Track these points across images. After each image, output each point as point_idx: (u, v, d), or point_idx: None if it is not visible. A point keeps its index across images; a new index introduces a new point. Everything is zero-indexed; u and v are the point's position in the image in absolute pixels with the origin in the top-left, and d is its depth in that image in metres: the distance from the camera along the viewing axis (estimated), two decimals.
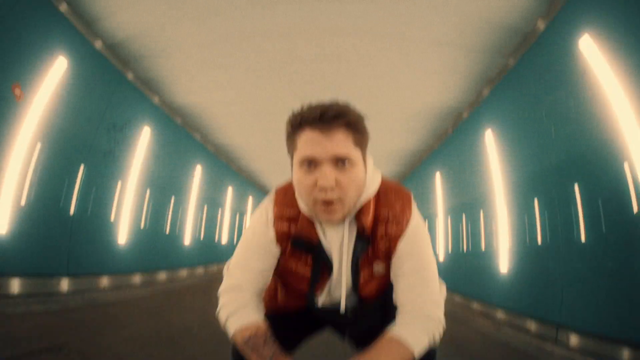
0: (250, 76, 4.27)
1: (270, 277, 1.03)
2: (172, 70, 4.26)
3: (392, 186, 0.99)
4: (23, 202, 2.84)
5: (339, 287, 1.00)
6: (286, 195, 0.99)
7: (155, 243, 5.12)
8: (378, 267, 0.97)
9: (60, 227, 3.30)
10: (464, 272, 4.74)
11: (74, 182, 3.41)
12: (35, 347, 1.76)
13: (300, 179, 0.84)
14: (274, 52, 3.75)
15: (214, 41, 3.65)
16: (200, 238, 6.78)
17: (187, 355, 1.99)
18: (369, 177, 0.91)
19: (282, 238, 0.97)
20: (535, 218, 3.14)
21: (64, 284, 3.26)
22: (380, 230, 0.92)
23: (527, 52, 3.28)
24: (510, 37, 3.30)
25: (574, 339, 2.56)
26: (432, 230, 5.95)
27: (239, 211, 9.18)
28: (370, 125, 0.88)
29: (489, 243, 4.01)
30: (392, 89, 4.34)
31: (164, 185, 5.30)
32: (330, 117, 0.78)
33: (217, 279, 1.11)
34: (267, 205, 1.01)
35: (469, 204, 4.64)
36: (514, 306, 3.41)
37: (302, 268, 1.00)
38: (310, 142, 0.80)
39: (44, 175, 3.02)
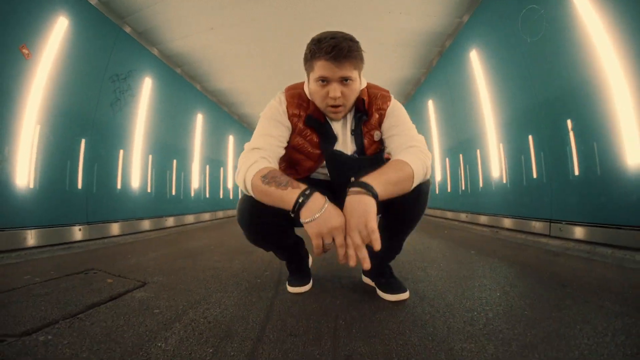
0: (243, 15, 4.31)
1: (284, 148, 1.29)
2: (168, 18, 4.31)
3: (376, 85, 1.37)
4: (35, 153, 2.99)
5: (345, 151, 1.32)
6: (295, 89, 1.31)
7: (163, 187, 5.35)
8: (376, 133, 1.31)
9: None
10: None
11: (85, 145, 3.54)
12: (64, 273, 1.89)
13: (316, 90, 1.19)
14: None
15: None
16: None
17: (207, 263, 2.17)
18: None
19: (293, 116, 1.28)
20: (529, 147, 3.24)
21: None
22: (374, 106, 1.30)
23: None
24: None
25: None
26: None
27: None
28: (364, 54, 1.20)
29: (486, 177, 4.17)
30: (378, 13, 4.37)
31: (170, 135, 5.48)
32: (341, 55, 1.10)
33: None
34: (280, 95, 1.32)
35: (465, 140, 4.76)
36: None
37: (309, 144, 1.31)
38: (324, 67, 1.13)
39: (57, 127, 3.17)
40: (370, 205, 0.94)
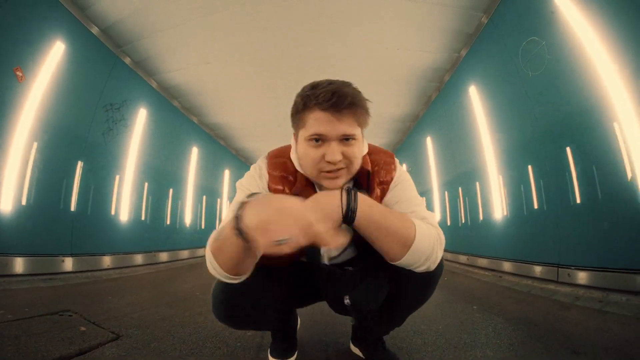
0: (240, 50, 4.34)
1: None
2: (165, 49, 4.32)
3: (378, 148, 1.09)
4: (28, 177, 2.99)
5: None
6: (279, 157, 1.04)
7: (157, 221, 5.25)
8: None
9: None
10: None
11: (74, 171, 3.50)
12: (38, 312, 1.81)
13: (307, 152, 0.91)
14: (267, 21, 3.82)
15: (206, 15, 3.71)
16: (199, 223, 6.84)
17: (188, 315, 1.99)
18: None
19: (276, 193, 1.00)
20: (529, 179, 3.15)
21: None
22: (377, 179, 1.02)
23: (500, 6, 3.35)
24: None
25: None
26: (429, 203, 6.10)
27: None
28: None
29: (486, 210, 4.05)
30: (375, 52, 4.40)
31: (163, 167, 5.40)
32: (343, 103, 0.85)
33: None
34: (260, 164, 1.05)
35: (464, 173, 4.67)
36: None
37: None
38: (320, 121, 0.87)
39: (47, 154, 3.15)
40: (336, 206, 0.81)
